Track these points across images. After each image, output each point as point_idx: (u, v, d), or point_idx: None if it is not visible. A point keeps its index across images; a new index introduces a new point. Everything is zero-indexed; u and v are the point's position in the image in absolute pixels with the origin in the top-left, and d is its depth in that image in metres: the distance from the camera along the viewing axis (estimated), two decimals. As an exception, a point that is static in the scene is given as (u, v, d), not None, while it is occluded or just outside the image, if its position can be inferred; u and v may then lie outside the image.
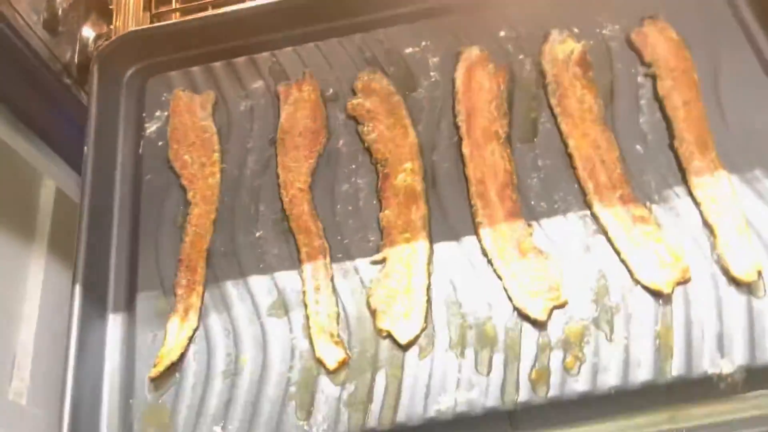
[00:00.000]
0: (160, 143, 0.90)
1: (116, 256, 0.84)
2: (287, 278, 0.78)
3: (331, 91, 0.91)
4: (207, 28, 0.96)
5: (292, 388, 0.72)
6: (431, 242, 0.78)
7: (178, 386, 0.74)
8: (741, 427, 0.65)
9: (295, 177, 0.84)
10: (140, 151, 0.91)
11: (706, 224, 0.74)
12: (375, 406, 0.70)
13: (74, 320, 0.77)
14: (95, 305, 0.80)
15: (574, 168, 0.79)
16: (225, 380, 0.73)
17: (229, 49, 0.96)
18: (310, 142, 0.86)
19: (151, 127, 0.92)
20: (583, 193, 0.78)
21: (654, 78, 0.84)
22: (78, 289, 0.78)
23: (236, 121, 0.91)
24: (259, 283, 0.78)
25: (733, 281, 0.71)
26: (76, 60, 1.05)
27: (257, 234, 0.82)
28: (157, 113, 0.93)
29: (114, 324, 0.79)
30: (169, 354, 0.74)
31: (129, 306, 0.80)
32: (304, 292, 0.76)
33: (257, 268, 0.79)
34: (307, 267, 0.78)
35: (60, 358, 1.12)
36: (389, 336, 0.73)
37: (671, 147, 0.79)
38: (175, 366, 0.74)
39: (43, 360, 1.04)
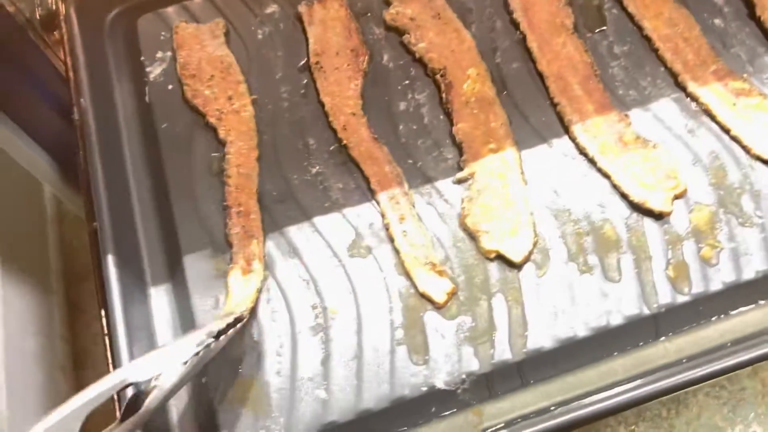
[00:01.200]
0: (169, 87, 0.76)
1: (142, 222, 0.70)
2: (361, 213, 0.67)
3: (359, 5, 0.79)
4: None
5: (399, 332, 0.61)
6: (519, 150, 0.68)
7: (259, 353, 0.62)
8: None
9: (343, 101, 0.72)
10: (147, 99, 0.76)
11: (812, 87, 0.69)
12: (501, 336, 0.60)
13: (115, 300, 0.63)
14: (132, 281, 0.66)
15: (655, 50, 0.72)
16: (315, 336, 0.62)
17: (231, -25, 0.82)
18: (351, 61, 0.75)
19: (155, 71, 0.77)
20: (673, 74, 0.71)
21: (716, -51, 0.78)
22: (110, 260, 0.64)
23: (256, 52, 0.78)
24: (328, 223, 0.67)
25: None
26: (38, 15, 0.89)
27: (313, 170, 0.70)
28: (159, 54, 0.78)
29: (158, 298, 0.66)
30: (237, 308, 0.61)
31: (173, 273, 0.67)
32: (386, 225, 0.65)
33: (323, 207, 0.68)
34: (383, 197, 0.67)
35: (38, 379, 0.96)
36: (498, 257, 0.63)
37: (751, 17, 0.73)
38: (250, 329, 0.62)
39: (20, 385, 0.89)
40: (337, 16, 0.77)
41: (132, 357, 0.61)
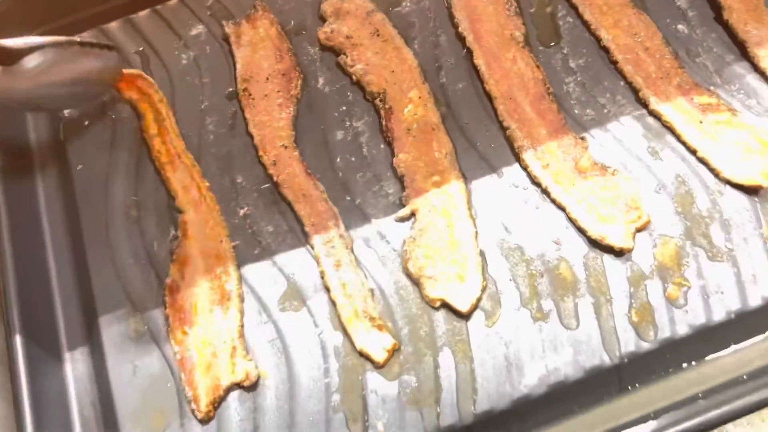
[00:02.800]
0: (86, 122, 0.70)
1: (58, 277, 0.63)
2: (294, 259, 0.61)
3: (292, 23, 0.72)
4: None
5: (335, 397, 0.55)
6: (466, 182, 0.62)
7: (180, 422, 0.55)
8: None
9: (274, 133, 0.66)
10: (61, 136, 0.70)
11: (786, 98, 0.62)
12: (448, 397, 0.54)
13: (21, 373, 0.56)
14: (44, 349, 0.60)
15: (614, 63, 0.65)
16: (243, 405, 0.55)
17: (152, -6, 0.75)
18: (282, 86, 0.68)
19: (71, 105, 0.71)
20: (633, 89, 0.64)
21: (678, -54, 0.71)
22: (17, 335, 0.58)
23: (180, 79, 0.71)
24: (258, 272, 0.60)
25: (834, 159, 0.59)
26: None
27: (241, 212, 0.63)
28: (74, 86, 0.71)
29: (74, 366, 0.59)
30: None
31: (90, 337, 0.60)
32: (322, 273, 0.59)
33: (252, 255, 0.61)
34: (317, 240, 0.60)
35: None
36: (443, 305, 0.57)
37: (718, 21, 0.67)
38: (170, 399, 0.56)
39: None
40: (267, 36, 0.71)
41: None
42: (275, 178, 0.64)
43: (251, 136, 0.66)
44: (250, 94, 0.68)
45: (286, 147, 0.65)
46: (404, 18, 0.71)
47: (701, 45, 0.66)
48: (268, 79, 0.68)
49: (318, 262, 0.60)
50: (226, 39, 0.72)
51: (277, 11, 0.73)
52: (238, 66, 0.69)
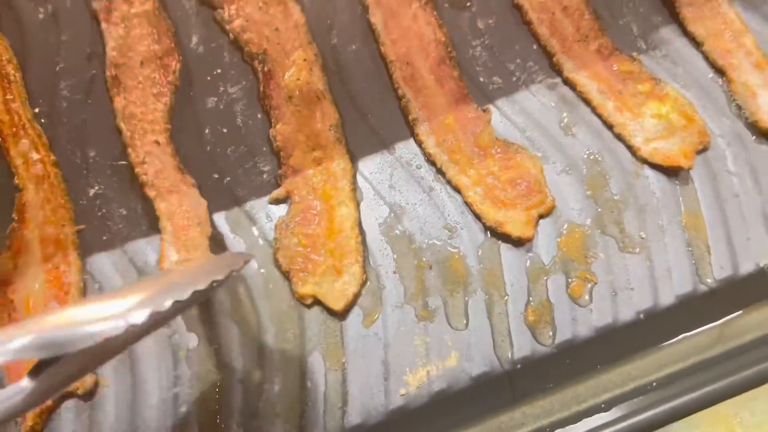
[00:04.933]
0: None
1: None
2: (148, 248, 0.52)
3: (167, -25, 0.63)
4: None
5: (183, 408, 0.47)
6: (352, 159, 0.54)
7: (5, 441, 0.47)
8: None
9: (147, 126, 0.56)
10: None
11: (715, 67, 0.55)
12: (313, 408, 0.47)
13: None
14: None
15: (527, 24, 0.57)
16: (78, 417, 0.47)
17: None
18: (159, 72, 0.58)
19: None
20: (548, 54, 0.56)
21: None
22: None
23: (34, 36, 0.61)
24: (105, 263, 0.52)
25: (766, 135, 0.52)
26: None
27: (92, 191, 0.54)
28: None
29: None
30: None
31: None
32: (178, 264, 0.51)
33: (100, 242, 0.53)
34: (170, 230, 0.52)
35: None
36: (316, 302, 0.49)
37: (647, -24, 0.59)
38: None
39: None
40: (143, 12, 0.60)
41: None
42: (142, 177, 0.54)
43: (119, 131, 0.56)
44: (120, 81, 0.58)
45: (158, 143, 0.55)
46: (295, -32, 0.62)
47: (626, 4, 0.58)
48: (143, 63, 0.58)
49: (173, 252, 0.51)
50: (93, 15, 0.61)
51: (151, -41, 0.63)
52: (108, 48, 0.59)
